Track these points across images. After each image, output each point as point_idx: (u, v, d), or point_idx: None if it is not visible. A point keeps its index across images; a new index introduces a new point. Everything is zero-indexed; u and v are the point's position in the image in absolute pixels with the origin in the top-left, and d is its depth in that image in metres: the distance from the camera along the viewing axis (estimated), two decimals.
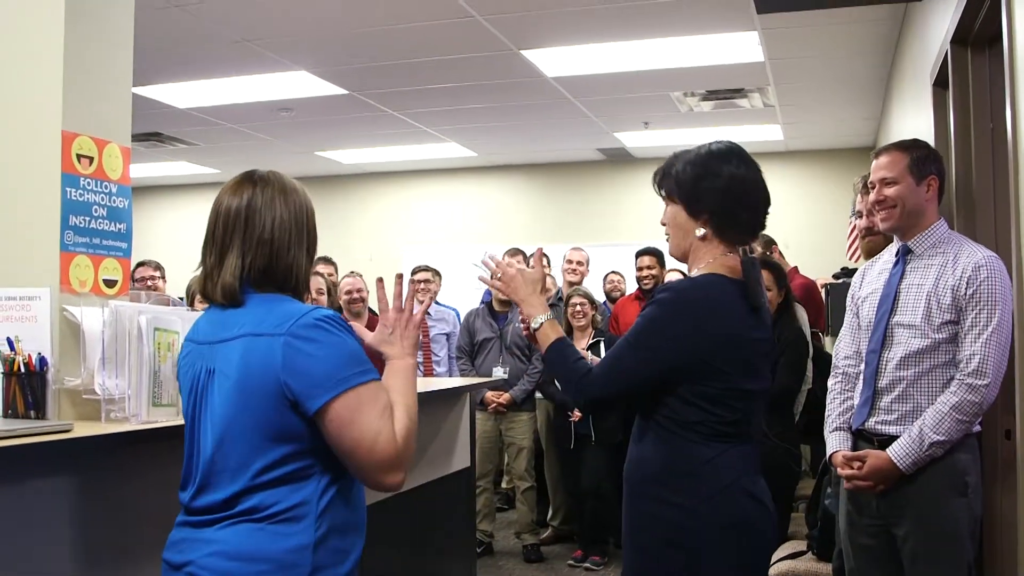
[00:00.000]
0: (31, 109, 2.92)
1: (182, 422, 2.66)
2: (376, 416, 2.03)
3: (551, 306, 7.18)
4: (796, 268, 6.21)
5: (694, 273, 2.48)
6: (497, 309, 6.87)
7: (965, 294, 2.96)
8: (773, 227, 6.10)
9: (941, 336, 3.00)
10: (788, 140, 9.98)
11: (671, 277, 6.65)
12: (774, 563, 4.39)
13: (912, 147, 3.19)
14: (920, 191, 3.12)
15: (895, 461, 2.99)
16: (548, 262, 8.15)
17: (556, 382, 2.65)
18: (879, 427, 3.11)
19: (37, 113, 2.91)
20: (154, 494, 2.61)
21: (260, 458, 2.03)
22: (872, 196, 3.20)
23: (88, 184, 2.95)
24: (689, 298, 2.41)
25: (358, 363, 2.05)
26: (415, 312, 2.36)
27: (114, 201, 3.05)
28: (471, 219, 11.74)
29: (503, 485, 7.78)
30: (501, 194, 11.66)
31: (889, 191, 3.13)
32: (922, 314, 3.03)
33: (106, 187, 3.01)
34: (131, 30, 3.17)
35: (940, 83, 4.10)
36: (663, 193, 2.54)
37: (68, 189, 2.89)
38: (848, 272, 8.84)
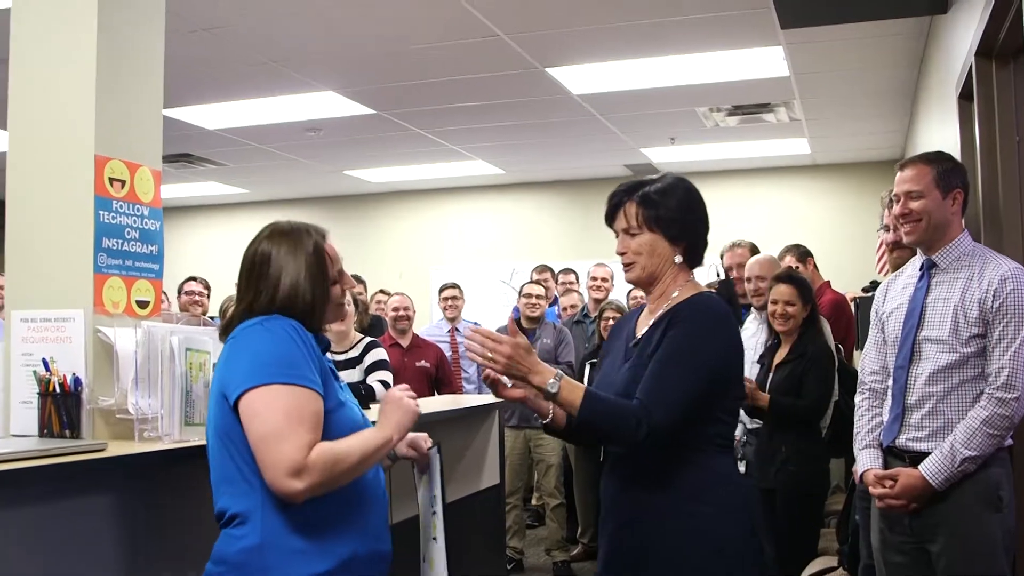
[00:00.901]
0: (65, 134, 2.98)
1: None
2: (281, 415, 2.07)
3: (576, 323, 7.23)
4: (828, 283, 6.17)
5: (675, 294, 2.58)
6: (525, 326, 6.89)
7: (992, 307, 2.94)
8: (801, 241, 6.10)
9: (969, 350, 2.98)
10: (815, 154, 9.95)
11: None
12: None
13: (937, 160, 3.17)
14: (946, 204, 3.10)
15: (928, 478, 2.96)
16: (576, 278, 8.20)
17: (603, 431, 2.54)
18: (910, 444, 3.09)
19: (70, 138, 2.96)
20: (186, 512, 2.64)
21: (217, 462, 2.21)
22: (896, 209, 3.17)
23: (120, 207, 3.00)
24: (717, 313, 2.52)
25: (286, 365, 2.14)
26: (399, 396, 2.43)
27: (146, 223, 3.09)
28: (498, 236, 11.76)
29: (532, 502, 7.78)
30: (528, 211, 11.68)
31: (914, 204, 3.11)
32: (949, 328, 3.01)
33: (138, 210, 3.06)
34: (161, 55, 3.23)
35: (965, 96, 4.09)
36: (636, 223, 2.58)
37: (101, 212, 2.94)
38: (877, 286, 8.79)
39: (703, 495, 2.47)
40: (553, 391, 2.37)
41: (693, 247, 2.63)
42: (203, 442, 2.68)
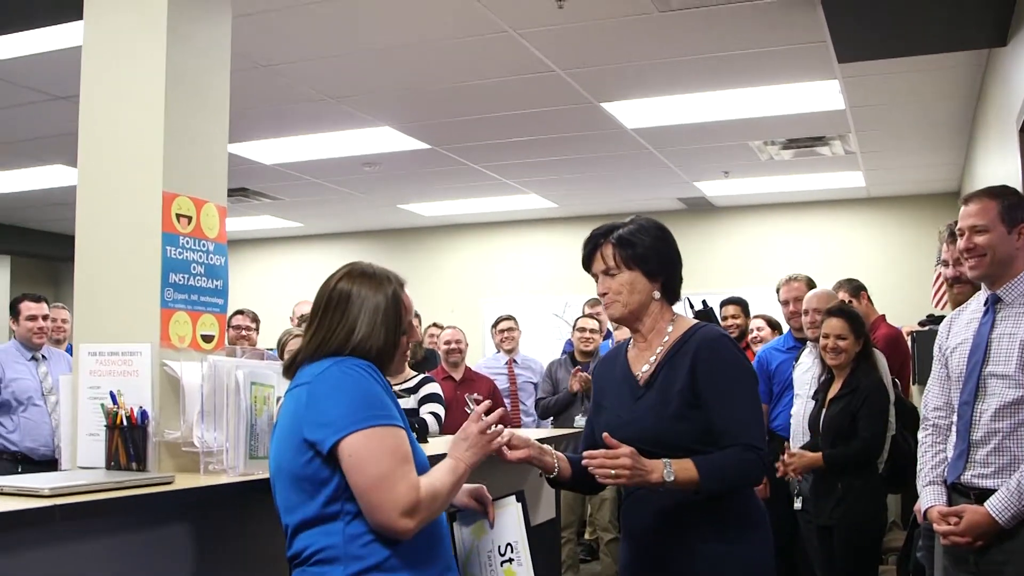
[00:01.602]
0: (133, 171, 3.06)
1: None
2: (389, 457, 2.12)
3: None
4: (883, 317, 6.11)
5: (670, 329, 2.72)
6: (579, 359, 6.88)
7: None
8: (856, 274, 6.06)
9: None
10: (870, 187, 9.86)
11: (756, 324, 6.60)
12: None
13: (1002, 194, 3.14)
14: (1011, 240, 3.06)
15: (994, 516, 2.91)
16: None
17: (731, 487, 2.65)
18: (975, 480, 3.04)
19: (139, 175, 3.04)
20: (252, 544, 2.67)
21: (294, 503, 2.21)
22: (961, 244, 3.14)
23: (187, 243, 3.06)
24: (731, 342, 2.72)
25: (373, 406, 2.17)
26: (493, 443, 2.44)
27: (211, 259, 3.15)
28: (551, 270, 11.76)
29: (586, 536, 7.74)
30: (581, 244, 11.65)
31: (979, 239, 3.08)
32: (1016, 364, 2.97)
33: (203, 245, 3.12)
34: (227, 94, 3.30)
35: None
36: (614, 263, 2.70)
37: (168, 248, 3.00)
38: (934, 320, 8.68)
39: (745, 517, 2.61)
40: (671, 480, 2.45)
41: (670, 282, 2.75)
42: (267, 475, 2.74)
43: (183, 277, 3.05)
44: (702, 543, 2.56)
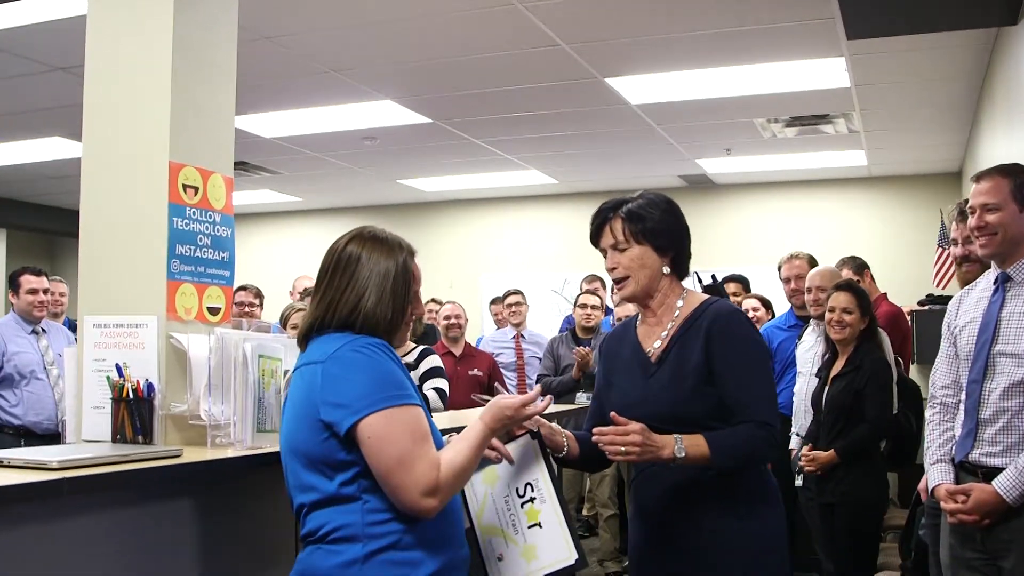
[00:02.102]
0: (140, 141, 3.02)
1: None
2: (408, 437, 2.09)
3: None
4: (885, 295, 6.10)
5: (680, 304, 2.69)
6: (581, 336, 6.87)
7: None
8: (856, 253, 6.04)
9: None
10: (872, 166, 9.83)
11: (751, 304, 6.58)
12: None
13: (1014, 172, 3.11)
14: (1022, 218, 3.05)
15: (1002, 494, 2.91)
16: None
17: (742, 463, 2.62)
18: (983, 459, 3.03)
19: (145, 145, 3.00)
20: (260, 517, 2.66)
21: (309, 483, 2.17)
22: (973, 221, 3.12)
23: (193, 214, 3.03)
24: (745, 317, 2.73)
25: (391, 386, 2.14)
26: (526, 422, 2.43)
27: (218, 230, 3.12)
28: (550, 246, 11.74)
29: (584, 512, 7.75)
30: (580, 221, 11.50)
31: (991, 217, 3.06)
32: None
33: (210, 216, 3.09)
34: (234, 64, 3.26)
35: None
36: (623, 237, 2.66)
37: (174, 219, 2.97)
38: (934, 299, 8.69)
39: (759, 493, 2.61)
40: (682, 456, 2.45)
41: (679, 257, 2.72)
42: (275, 449, 2.72)
43: (189, 249, 3.01)
44: (715, 520, 2.55)
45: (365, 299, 2.25)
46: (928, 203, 9.82)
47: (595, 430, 2.47)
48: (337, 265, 2.30)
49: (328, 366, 2.16)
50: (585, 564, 2.41)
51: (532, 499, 2.49)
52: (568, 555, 2.40)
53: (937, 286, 8.72)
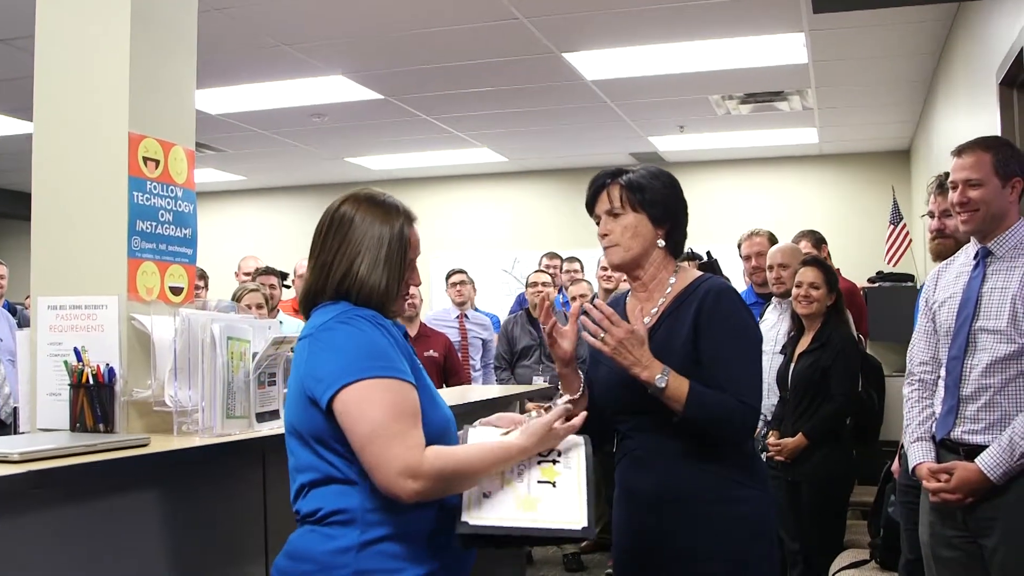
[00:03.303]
0: (98, 111, 2.84)
1: (256, 434, 2.62)
2: (384, 411, 1.94)
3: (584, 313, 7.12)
4: (838, 271, 6.10)
5: (672, 280, 2.62)
6: (535, 315, 6.78)
7: None
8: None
9: None
10: (823, 143, 9.88)
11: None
12: (836, 572, 4.30)
13: (996, 146, 3.07)
14: (1004, 193, 3.01)
15: (985, 472, 2.88)
16: (581, 266, 8.11)
17: (710, 425, 2.50)
18: (965, 437, 3.01)
19: (104, 115, 2.83)
20: (229, 507, 2.54)
21: (307, 463, 2.06)
22: (954, 197, 3.07)
23: (154, 188, 2.88)
24: (739, 296, 2.60)
25: (376, 357, 2.00)
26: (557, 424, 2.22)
27: (180, 206, 2.97)
28: (501, 225, 11.67)
29: None
30: (532, 199, 11.58)
31: (973, 193, 3.02)
32: (1007, 318, 2.93)
33: (172, 191, 2.94)
34: (195, 31, 3.10)
35: (1008, 82, 4.01)
36: (619, 204, 2.60)
37: (135, 193, 2.81)
38: (884, 276, 8.76)
39: (743, 478, 2.52)
40: (661, 386, 2.39)
41: (675, 231, 2.64)
42: (246, 436, 2.61)
43: (151, 225, 2.85)
44: (703, 506, 2.49)
45: (358, 264, 2.12)
46: (879, 180, 9.90)
47: (596, 302, 2.44)
48: (330, 227, 2.17)
49: (315, 338, 2.05)
50: (592, 536, 2.15)
51: (554, 461, 2.23)
52: (575, 520, 2.13)
53: (889, 263, 8.78)
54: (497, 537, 2.10)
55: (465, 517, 2.09)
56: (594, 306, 2.43)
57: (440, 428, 2.12)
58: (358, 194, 2.23)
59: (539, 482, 2.17)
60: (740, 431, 2.49)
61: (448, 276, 7.69)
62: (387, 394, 1.97)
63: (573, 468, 2.21)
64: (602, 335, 2.39)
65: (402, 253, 2.19)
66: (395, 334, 2.10)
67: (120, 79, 2.82)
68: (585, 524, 2.12)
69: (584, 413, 2.30)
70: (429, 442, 1.99)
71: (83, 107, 2.86)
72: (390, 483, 1.92)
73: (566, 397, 2.45)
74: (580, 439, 2.28)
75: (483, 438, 2.22)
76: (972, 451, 2.96)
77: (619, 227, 2.60)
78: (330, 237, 2.16)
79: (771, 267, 5.17)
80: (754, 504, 2.53)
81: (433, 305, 10.46)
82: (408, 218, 2.25)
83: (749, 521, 2.51)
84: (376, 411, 1.94)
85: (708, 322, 2.50)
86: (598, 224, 2.66)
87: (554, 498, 2.15)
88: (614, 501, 2.69)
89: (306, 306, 2.19)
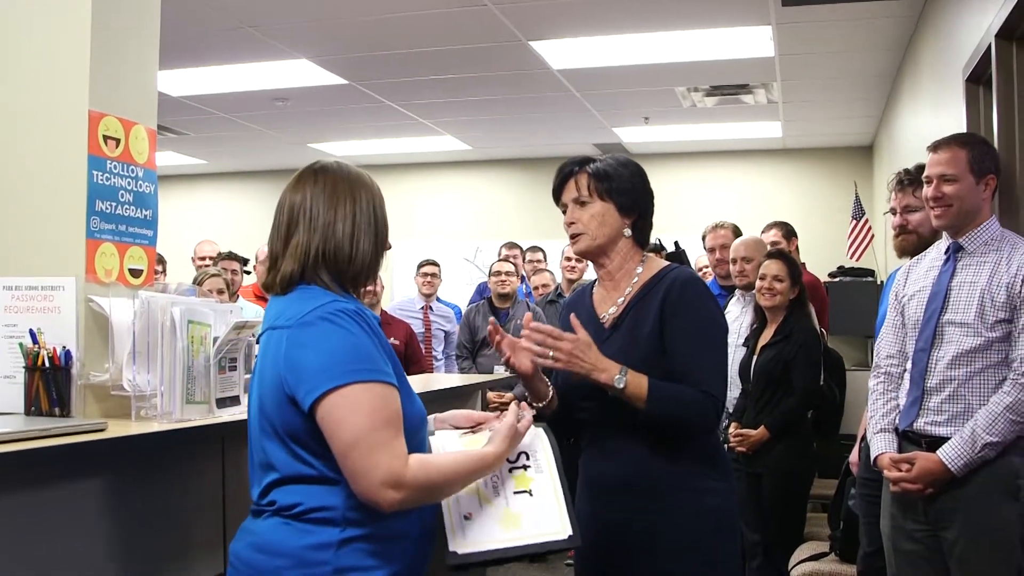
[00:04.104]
0: (56, 87, 2.75)
1: (216, 420, 2.56)
2: (368, 419, 1.88)
3: (550, 302, 7.10)
4: (804, 265, 6.12)
5: (639, 270, 2.62)
6: (498, 305, 6.75)
7: (1020, 292, 2.90)
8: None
9: (994, 335, 2.93)
10: (786, 137, 9.92)
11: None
12: (796, 564, 4.32)
13: (971, 143, 3.10)
14: (978, 190, 3.04)
15: (946, 463, 2.91)
16: (544, 256, 8.10)
17: (673, 420, 2.48)
18: (928, 428, 3.04)
19: (63, 92, 2.74)
20: (188, 495, 2.49)
21: (278, 455, 1.98)
22: (929, 192, 3.09)
23: (115, 167, 2.80)
24: (706, 286, 2.61)
25: (360, 360, 1.92)
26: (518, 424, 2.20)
27: (140, 186, 2.90)
28: (463, 214, 11.61)
29: None
30: (495, 188, 11.54)
31: (948, 188, 3.04)
32: (975, 312, 2.95)
33: (132, 171, 2.86)
34: (158, 10, 3.03)
35: (974, 79, 4.02)
36: (587, 192, 2.59)
37: (94, 172, 2.73)
38: (845, 271, 8.81)
39: (707, 470, 2.52)
40: (620, 386, 2.37)
41: (641, 221, 2.64)
42: (206, 422, 2.55)
43: (110, 205, 2.78)
44: (668, 497, 2.48)
45: (336, 236, 2.05)
46: (841, 176, 9.96)
47: (531, 325, 2.38)
48: (292, 203, 2.10)
49: (294, 334, 1.96)
50: (579, 543, 2.14)
51: (525, 467, 2.22)
52: (560, 529, 2.12)
53: (850, 258, 8.83)
54: (487, 561, 2.09)
55: (453, 547, 2.08)
56: (531, 329, 2.38)
57: (416, 423, 2.07)
58: (321, 167, 2.15)
59: (515, 493, 2.16)
60: (704, 421, 2.46)
61: (420, 266, 7.64)
62: (372, 400, 1.90)
63: (544, 471, 2.21)
64: (551, 353, 2.36)
65: (380, 225, 2.13)
66: (377, 330, 2.01)
67: (81, 56, 2.73)
68: (571, 532, 2.13)
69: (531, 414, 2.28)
70: (406, 436, 1.95)
71: (42, 83, 2.77)
72: (372, 492, 1.87)
73: (529, 414, 2.29)
74: (539, 429, 2.28)
75: (444, 443, 2.20)
76: (934, 443, 2.99)
77: (586, 215, 2.59)
78: (295, 218, 2.08)
79: (734, 260, 5.18)
80: (720, 496, 2.53)
81: (394, 294, 10.39)
82: (377, 187, 2.20)
83: (714, 512, 2.51)
84: (361, 418, 1.88)
85: (674, 311, 2.49)
86: (564, 212, 2.64)
87: (535, 509, 2.14)
88: (577, 491, 2.67)
89: (281, 285, 2.08)
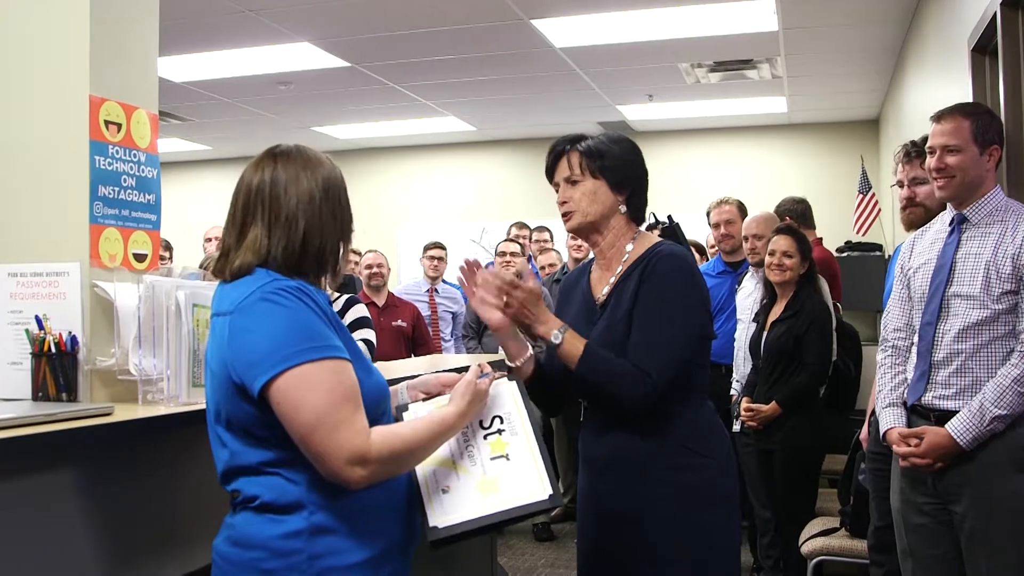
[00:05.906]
0: (57, 72, 2.76)
1: None
2: (326, 397, 1.81)
3: (556, 282, 7.08)
4: (820, 240, 6.10)
5: (630, 248, 2.60)
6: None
7: None
8: (775, 199, 6.03)
9: (1001, 307, 2.90)
10: (792, 113, 9.86)
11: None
12: (806, 539, 4.32)
13: (975, 112, 3.06)
14: (982, 161, 3.00)
15: (955, 437, 2.89)
16: (551, 236, 8.07)
17: (600, 388, 2.47)
18: (936, 402, 3.01)
19: (63, 77, 2.74)
20: (195, 477, 2.49)
21: (237, 448, 1.93)
22: (932, 162, 3.06)
23: (117, 152, 2.80)
24: (690, 263, 2.55)
25: (309, 337, 1.85)
26: (479, 380, 2.17)
27: (143, 171, 2.90)
28: (468, 195, 11.59)
29: None
30: (499, 169, 11.51)
31: (951, 159, 3.00)
32: (981, 284, 2.92)
33: (135, 156, 2.86)
34: None
35: (980, 49, 3.99)
36: (579, 171, 2.58)
37: (96, 157, 2.73)
38: (853, 246, 8.79)
39: (696, 446, 2.51)
40: (556, 342, 2.41)
41: (635, 197, 2.63)
42: None
43: (113, 190, 2.78)
44: (655, 471, 2.49)
45: (296, 225, 1.97)
46: (847, 150, 9.91)
47: (485, 272, 2.42)
48: (248, 188, 2.02)
49: (235, 318, 1.88)
50: (559, 503, 2.11)
51: (500, 431, 2.17)
52: (540, 491, 2.07)
53: (857, 232, 8.80)
54: (470, 531, 2.05)
55: (433, 522, 2.05)
56: (492, 274, 2.41)
57: (376, 396, 2.01)
58: (278, 151, 2.06)
59: (492, 459, 2.13)
60: (630, 398, 2.39)
61: (427, 248, 7.62)
62: (327, 378, 1.83)
63: (519, 432, 2.17)
64: (504, 299, 2.40)
65: (343, 208, 2.05)
66: (321, 303, 1.93)
67: (81, 41, 2.73)
68: (551, 491, 2.08)
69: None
70: (367, 410, 1.89)
71: (42, 69, 2.78)
72: (338, 472, 1.82)
73: (492, 373, 2.25)
74: (510, 382, 2.26)
75: (418, 414, 2.18)
76: (943, 416, 2.97)
77: (577, 193, 2.58)
78: (253, 205, 2.00)
79: (746, 237, 5.17)
80: (706, 473, 2.51)
81: (401, 277, 10.39)
82: (338, 169, 2.09)
83: (698, 489, 2.50)
84: (318, 398, 1.81)
85: (644, 288, 2.47)
86: (558, 191, 2.63)
87: (513, 473, 2.11)
88: (579, 468, 2.69)
89: (232, 270, 1.99)
